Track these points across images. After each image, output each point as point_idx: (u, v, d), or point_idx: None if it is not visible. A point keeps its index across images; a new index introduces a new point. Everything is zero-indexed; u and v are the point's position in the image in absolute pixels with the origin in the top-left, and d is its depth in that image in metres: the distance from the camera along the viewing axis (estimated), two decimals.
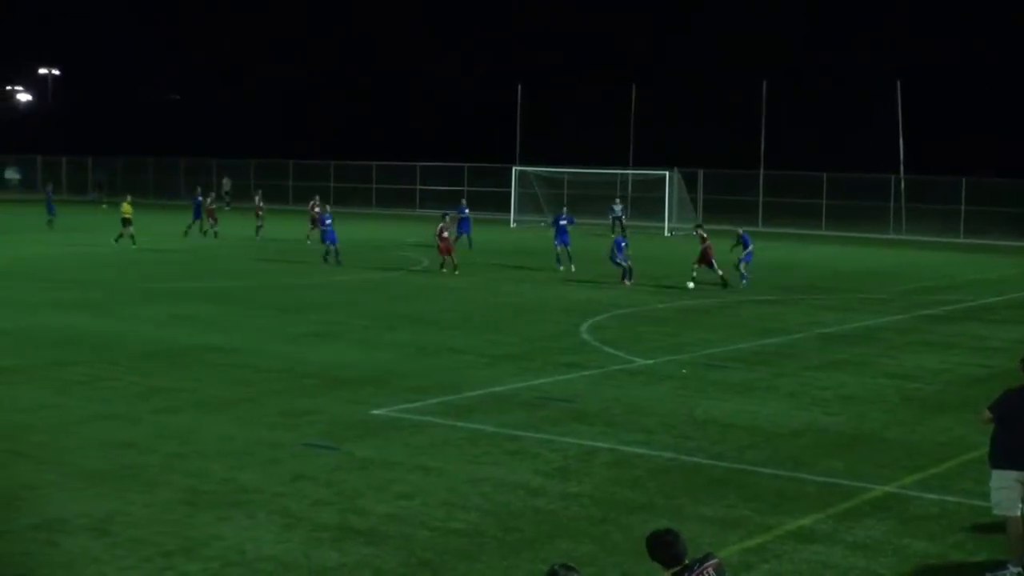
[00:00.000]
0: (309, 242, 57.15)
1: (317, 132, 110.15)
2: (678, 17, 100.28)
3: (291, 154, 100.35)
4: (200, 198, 64.94)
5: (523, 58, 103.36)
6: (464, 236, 57.36)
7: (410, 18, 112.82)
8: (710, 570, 8.87)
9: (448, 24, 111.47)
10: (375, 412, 21.47)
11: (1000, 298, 42.42)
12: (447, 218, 48.41)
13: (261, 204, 63.98)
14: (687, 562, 8.88)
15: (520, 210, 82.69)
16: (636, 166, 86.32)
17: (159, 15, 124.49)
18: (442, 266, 46.31)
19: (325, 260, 48.24)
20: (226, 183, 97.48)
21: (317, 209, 62.16)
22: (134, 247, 53.90)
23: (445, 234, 46.79)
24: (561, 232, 48.17)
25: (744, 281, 43.10)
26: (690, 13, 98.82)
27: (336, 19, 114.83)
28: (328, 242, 48.96)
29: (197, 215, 64.09)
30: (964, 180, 75.82)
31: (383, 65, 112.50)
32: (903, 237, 76.43)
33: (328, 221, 49.85)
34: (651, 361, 27.59)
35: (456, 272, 45.12)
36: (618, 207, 75.55)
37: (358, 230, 64.47)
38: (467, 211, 60.04)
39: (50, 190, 72.70)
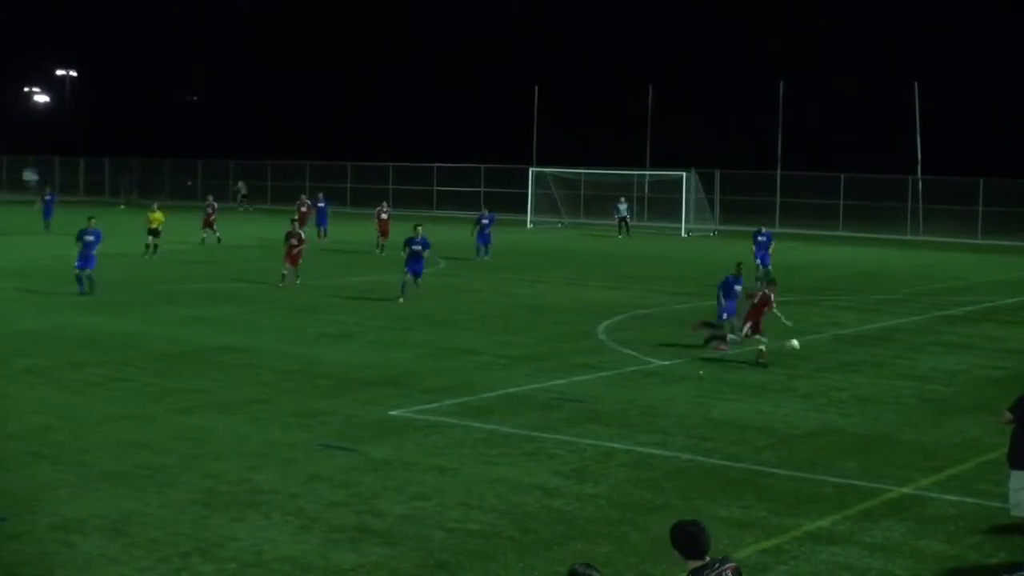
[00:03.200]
0: (381, 252, 54.25)
1: (334, 133, 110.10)
2: (695, 18, 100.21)
3: (308, 155, 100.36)
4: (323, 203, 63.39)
5: (541, 59, 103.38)
6: (481, 246, 53.25)
7: (428, 18, 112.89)
8: (728, 572, 8.85)
9: (466, 24, 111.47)
10: (391, 413, 21.47)
11: (1017, 299, 42.28)
12: (314, 203, 43.91)
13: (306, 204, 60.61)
14: (708, 559, 8.84)
15: (537, 211, 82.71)
16: (653, 167, 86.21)
17: (176, 16, 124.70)
18: (284, 278, 40.68)
19: (80, 286, 37.47)
20: (241, 186, 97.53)
21: (304, 209, 61.37)
22: (153, 257, 49.59)
23: (294, 241, 41.03)
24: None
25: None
26: (707, 14, 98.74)
27: (353, 18, 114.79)
28: (82, 266, 37.73)
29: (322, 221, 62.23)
30: (981, 181, 75.63)
31: (400, 65, 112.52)
32: (920, 238, 76.25)
33: (91, 238, 38.13)
34: (668, 362, 27.57)
35: (292, 281, 40.40)
36: (623, 207, 75.43)
37: (375, 231, 64.40)
38: (486, 220, 54.27)
39: (48, 193, 69.02)
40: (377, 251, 54.70)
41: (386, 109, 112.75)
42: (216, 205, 60.18)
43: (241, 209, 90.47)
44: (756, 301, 28.36)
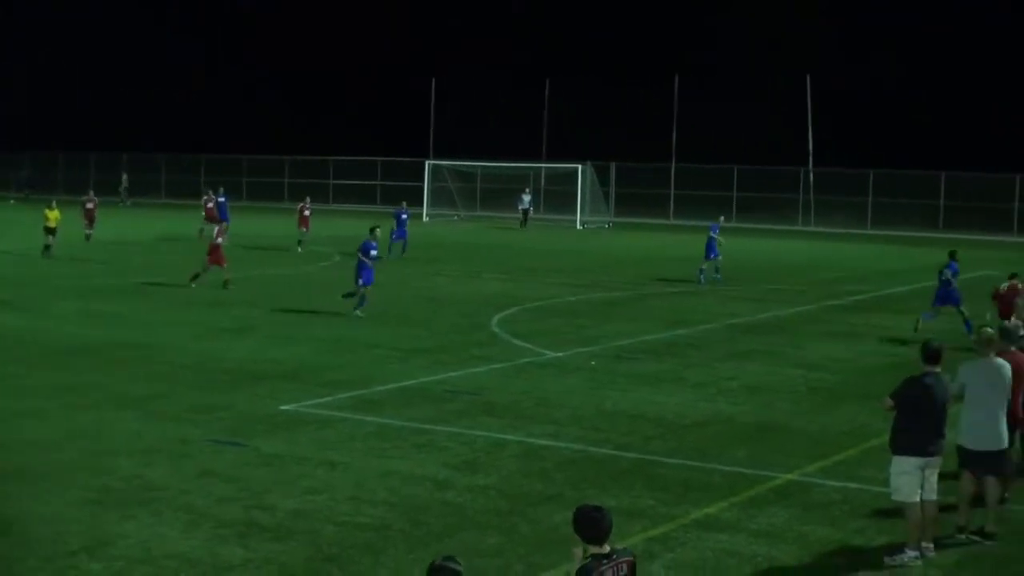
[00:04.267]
0: (300, 248, 53.04)
1: (231, 126, 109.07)
2: (591, 11, 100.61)
3: (202, 148, 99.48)
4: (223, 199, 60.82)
5: (437, 51, 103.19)
6: (400, 242, 51.85)
7: (329, 10, 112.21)
8: (624, 566, 8.94)
9: (365, 15, 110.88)
10: (284, 407, 21.43)
11: (906, 288, 43.01)
12: (225, 224, 40.98)
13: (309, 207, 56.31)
14: (607, 549, 8.90)
15: (433, 204, 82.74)
16: (549, 159, 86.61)
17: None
18: (196, 277, 38.64)
19: None
20: (124, 180, 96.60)
21: (211, 205, 60.63)
22: (47, 259, 47.80)
23: (220, 240, 39.87)
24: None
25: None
26: (604, 7, 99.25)
27: (256, 11, 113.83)
28: None
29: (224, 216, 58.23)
30: (872, 172, 76.87)
31: (299, 59, 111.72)
32: (812, 229, 77.25)
33: None
34: (561, 353, 27.73)
35: (228, 287, 38.31)
36: (527, 198, 75.84)
37: (270, 225, 64.17)
38: (405, 215, 53.48)
39: None
40: (298, 248, 53.43)
41: (282, 101, 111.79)
42: (97, 200, 58.94)
43: (122, 204, 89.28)
44: (1004, 293, 29.46)
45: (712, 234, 44.57)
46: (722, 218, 48.29)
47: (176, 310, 34.02)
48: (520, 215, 74.94)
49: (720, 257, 44.25)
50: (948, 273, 32.39)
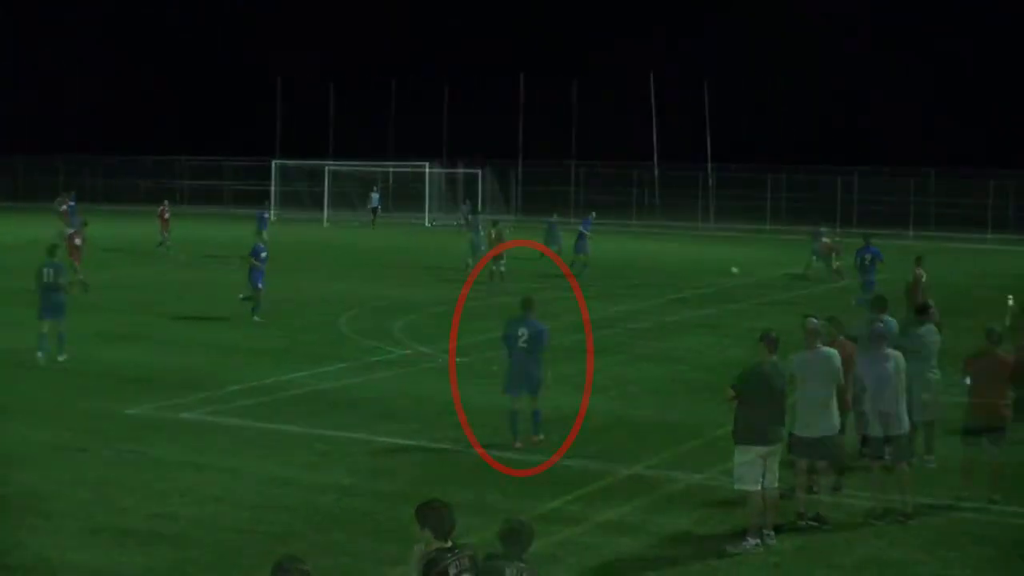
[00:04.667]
0: (160, 248, 51.81)
1: (78, 125, 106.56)
2: (440, 10, 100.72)
3: (51, 149, 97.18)
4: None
5: (285, 51, 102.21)
6: None
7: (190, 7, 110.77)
8: (465, 560, 9.05)
9: (207, 13, 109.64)
10: (130, 412, 21.17)
11: (751, 280, 43.71)
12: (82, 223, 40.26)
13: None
14: (449, 543, 9.00)
15: (281, 205, 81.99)
16: (397, 158, 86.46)
17: None
18: (81, 283, 35.56)
19: None
20: None
21: (64, 208, 59.55)
22: None
23: (77, 241, 38.89)
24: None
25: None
26: (453, 5, 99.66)
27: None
28: None
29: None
30: (710, 167, 78.58)
31: (140, 55, 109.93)
32: (660, 222, 78.20)
33: None
34: (409, 351, 27.80)
35: (85, 290, 35.26)
36: (376, 196, 75.89)
37: (119, 227, 63.17)
38: (267, 215, 52.89)
39: None
40: (160, 248, 52.12)
41: (118, 103, 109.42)
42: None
43: None
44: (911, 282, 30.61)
45: (583, 229, 45.18)
46: (593, 214, 48.81)
47: (20, 315, 33.26)
48: (369, 214, 74.87)
49: (583, 255, 44.72)
50: (868, 256, 33.26)
